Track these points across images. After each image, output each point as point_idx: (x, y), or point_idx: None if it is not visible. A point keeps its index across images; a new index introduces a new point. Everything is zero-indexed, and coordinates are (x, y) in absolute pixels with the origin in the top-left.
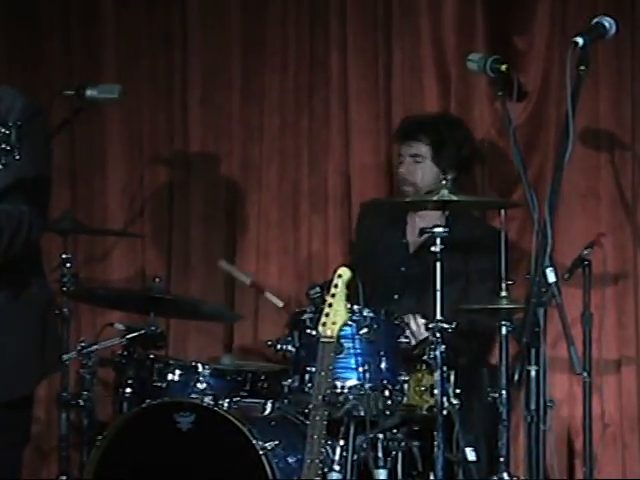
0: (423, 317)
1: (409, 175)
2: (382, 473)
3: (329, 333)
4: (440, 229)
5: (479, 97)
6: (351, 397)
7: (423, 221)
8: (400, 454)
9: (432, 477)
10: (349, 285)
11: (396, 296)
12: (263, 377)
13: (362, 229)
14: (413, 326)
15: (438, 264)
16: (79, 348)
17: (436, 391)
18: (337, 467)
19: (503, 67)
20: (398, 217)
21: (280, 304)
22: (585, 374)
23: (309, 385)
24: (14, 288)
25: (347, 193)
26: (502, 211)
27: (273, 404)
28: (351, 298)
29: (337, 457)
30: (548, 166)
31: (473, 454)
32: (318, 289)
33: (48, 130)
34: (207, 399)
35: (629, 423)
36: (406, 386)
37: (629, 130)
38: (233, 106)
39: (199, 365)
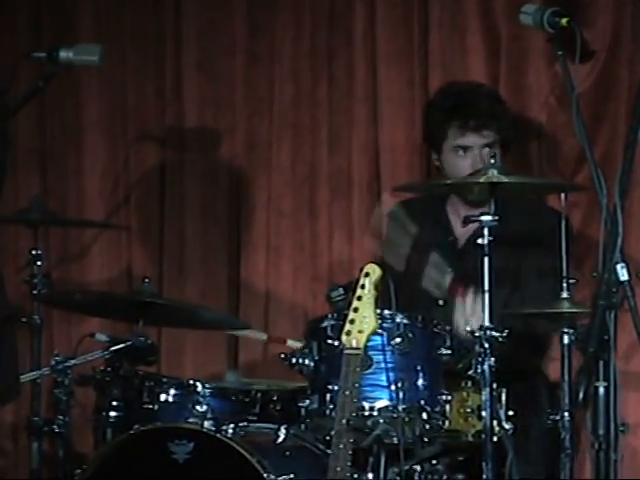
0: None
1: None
2: None
3: (355, 344)
4: (488, 217)
5: (535, 58)
6: (382, 421)
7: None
8: None
9: None
10: (378, 286)
11: (441, 302)
12: (275, 397)
13: (400, 229)
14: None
15: (486, 259)
16: (53, 363)
17: (484, 413)
18: None
19: (564, 21)
20: (437, 211)
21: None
22: None
23: (331, 407)
24: None
25: (375, 176)
26: (563, 195)
27: (287, 430)
28: (380, 301)
29: None
30: (618, 141)
31: None
32: (341, 291)
33: (5, 110)
34: (208, 424)
35: None
36: (448, 407)
37: None
38: (236, 72)
39: (198, 383)
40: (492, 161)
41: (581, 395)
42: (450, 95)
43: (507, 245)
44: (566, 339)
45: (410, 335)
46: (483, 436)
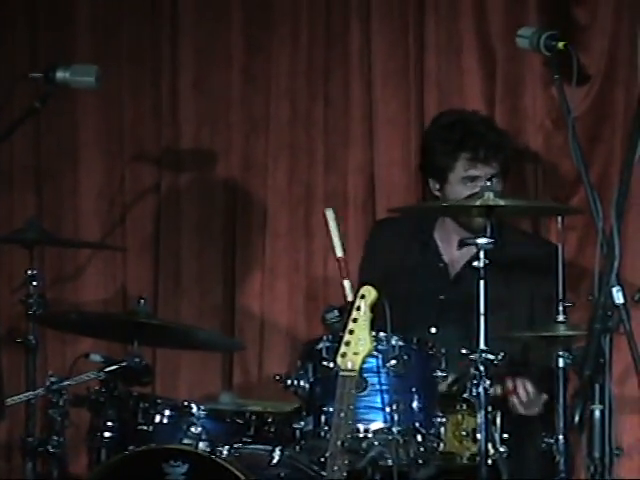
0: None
1: None
2: None
3: (350, 366)
4: (484, 240)
5: (531, 81)
6: (376, 443)
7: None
8: None
9: None
10: (374, 308)
11: (433, 329)
12: (270, 419)
13: (375, 248)
14: (522, 393)
15: (482, 283)
16: (47, 384)
17: (479, 436)
18: None
19: (560, 44)
20: (425, 234)
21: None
22: None
23: (326, 429)
24: None
25: (371, 195)
26: (559, 218)
27: (282, 451)
28: (375, 323)
29: None
30: (615, 163)
31: None
32: (336, 313)
33: None
34: (202, 445)
35: None
36: (443, 430)
37: None
38: (232, 91)
39: (192, 405)
40: (488, 183)
41: (577, 418)
42: (455, 125)
43: (502, 273)
44: (561, 362)
45: (405, 357)
46: (478, 459)
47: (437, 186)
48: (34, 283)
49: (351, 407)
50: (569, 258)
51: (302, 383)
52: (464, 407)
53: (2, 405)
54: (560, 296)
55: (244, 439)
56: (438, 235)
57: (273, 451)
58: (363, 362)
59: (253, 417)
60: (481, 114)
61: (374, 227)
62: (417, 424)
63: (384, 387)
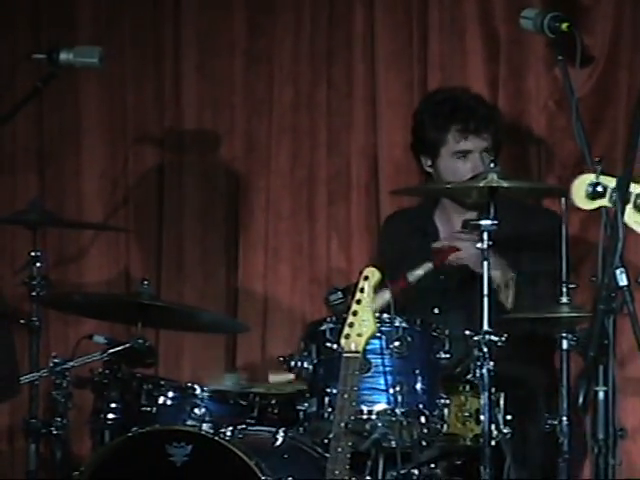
0: None
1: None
2: None
3: (353, 347)
4: (487, 221)
5: (534, 63)
6: (380, 424)
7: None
8: None
9: None
10: (377, 289)
11: (437, 310)
12: (273, 401)
13: (383, 244)
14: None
15: (485, 264)
16: (51, 365)
17: (483, 417)
18: None
19: (564, 26)
20: (425, 222)
21: None
22: None
23: (329, 410)
24: None
25: (374, 178)
26: (562, 200)
27: (286, 433)
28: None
29: None
30: (618, 145)
31: None
32: (340, 294)
33: None
34: (206, 427)
35: None
36: (446, 411)
37: None
38: (235, 74)
39: (196, 386)
40: (492, 165)
41: (581, 399)
42: (445, 100)
43: (502, 248)
44: (565, 344)
45: (409, 339)
46: (481, 440)
47: (429, 162)
48: (37, 264)
49: (354, 388)
50: (571, 239)
51: (306, 365)
52: (467, 388)
53: (17, 381)
54: (564, 277)
55: (248, 420)
56: (438, 219)
57: (277, 432)
58: (366, 343)
59: (257, 399)
60: (471, 91)
61: (383, 224)
62: (420, 405)
63: (387, 368)
